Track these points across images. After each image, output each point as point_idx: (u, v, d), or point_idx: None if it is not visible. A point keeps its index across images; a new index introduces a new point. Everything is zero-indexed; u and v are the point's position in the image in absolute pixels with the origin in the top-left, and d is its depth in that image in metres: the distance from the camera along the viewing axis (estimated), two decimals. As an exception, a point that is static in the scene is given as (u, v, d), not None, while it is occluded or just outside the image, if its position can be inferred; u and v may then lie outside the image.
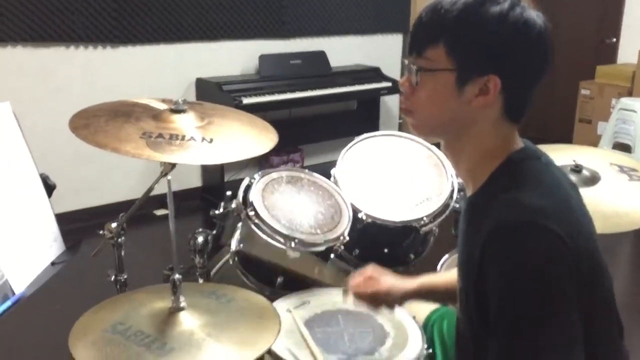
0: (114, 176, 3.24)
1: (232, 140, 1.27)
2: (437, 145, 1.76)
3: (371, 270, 1.23)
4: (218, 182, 3.44)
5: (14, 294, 1.06)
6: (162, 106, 1.33)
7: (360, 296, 1.20)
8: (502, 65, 0.85)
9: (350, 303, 1.22)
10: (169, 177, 1.24)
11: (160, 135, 1.20)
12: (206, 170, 3.60)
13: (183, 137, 1.21)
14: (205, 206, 3.32)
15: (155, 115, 1.28)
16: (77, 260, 1.35)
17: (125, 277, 1.45)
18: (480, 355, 0.86)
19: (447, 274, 1.23)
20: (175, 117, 1.27)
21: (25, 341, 2.18)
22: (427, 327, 1.29)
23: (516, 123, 0.92)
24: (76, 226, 2.24)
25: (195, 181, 3.62)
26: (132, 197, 2.97)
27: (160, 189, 1.36)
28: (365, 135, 1.77)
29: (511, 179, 0.87)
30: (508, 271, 0.79)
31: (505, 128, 0.91)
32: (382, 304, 1.21)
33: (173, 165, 1.28)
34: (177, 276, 1.09)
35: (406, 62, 0.92)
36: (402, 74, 4.43)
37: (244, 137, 1.31)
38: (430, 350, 1.21)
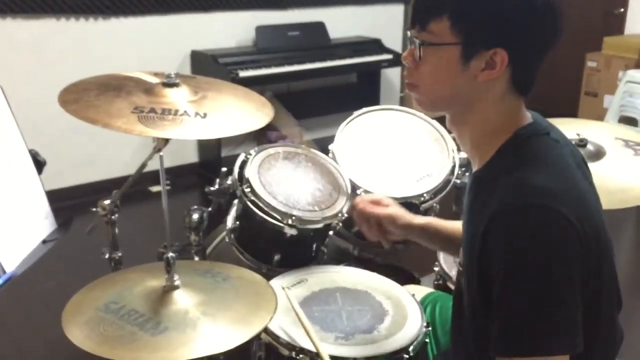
0: (108, 151, 3.21)
1: (226, 115, 1.24)
2: (438, 119, 1.72)
3: (381, 195, 1.23)
4: (215, 158, 3.41)
5: (4, 272, 1.04)
6: (154, 80, 1.29)
7: (366, 215, 1.18)
8: (508, 38, 0.82)
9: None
10: (161, 153, 1.20)
11: (152, 110, 1.16)
12: (203, 145, 3.56)
13: (176, 112, 1.18)
14: (202, 182, 3.30)
15: (147, 89, 1.24)
16: (72, 238, 1.33)
17: (120, 255, 1.43)
18: (480, 332, 0.85)
19: (453, 222, 1.22)
20: (168, 91, 1.23)
21: (19, 319, 2.19)
22: None
23: (523, 97, 0.89)
24: (70, 203, 2.22)
25: (192, 157, 3.59)
26: (128, 173, 2.96)
27: (155, 164, 1.33)
28: (364, 109, 1.73)
29: (518, 156, 0.85)
30: (512, 255, 0.78)
31: (512, 102, 0.88)
32: (383, 231, 1.21)
33: (166, 141, 1.24)
34: (170, 254, 1.06)
35: (409, 34, 0.89)
36: (403, 46, 4.35)
37: (238, 112, 1.28)
38: (430, 328, 1.20)
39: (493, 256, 0.80)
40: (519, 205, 0.78)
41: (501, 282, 0.79)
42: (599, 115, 4.00)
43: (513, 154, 0.85)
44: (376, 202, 1.22)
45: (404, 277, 1.67)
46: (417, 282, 1.63)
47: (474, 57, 0.83)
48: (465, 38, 0.83)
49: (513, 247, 0.78)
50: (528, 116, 0.90)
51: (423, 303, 1.30)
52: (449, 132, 1.68)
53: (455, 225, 1.19)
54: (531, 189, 0.79)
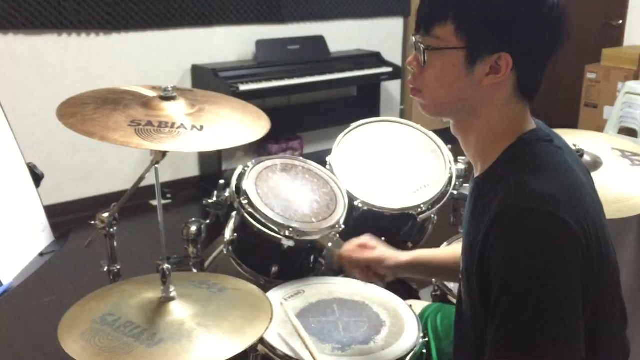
0: (108, 166, 3.22)
1: (222, 128, 1.25)
2: (435, 131, 1.73)
3: (366, 238, 1.22)
4: (216, 171, 3.42)
5: (1, 284, 1.04)
6: (152, 93, 1.30)
7: (354, 262, 1.19)
8: (513, 42, 0.82)
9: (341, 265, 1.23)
10: (158, 165, 1.21)
11: (149, 123, 1.18)
12: (204, 159, 3.58)
13: (173, 125, 1.19)
14: (202, 195, 3.30)
15: (145, 102, 1.26)
16: (71, 251, 1.33)
17: (119, 267, 1.43)
18: (481, 337, 0.84)
19: (444, 249, 1.22)
20: (165, 105, 1.25)
21: (19, 332, 2.18)
22: (422, 322, 1.27)
23: (529, 102, 0.89)
24: (69, 217, 2.23)
25: (193, 170, 3.60)
26: (127, 187, 2.99)
27: (155, 178, 1.33)
28: (361, 121, 1.74)
29: (520, 161, 0.85)
30: (510, 259, 0.77)
31: (517, 107, 0.88)
32: (374, 274, 1.21)
33: (164, 154, 1.25)
34: (166, 266, 1.07)
35: (413, 39, 0.89)
36: (403, 59, 4.37)
37: (235, 125, 1.29)
38: (427, 339, 1.19)
39: (492, 260, 0.80)
40: (519, 209, 0.78)
41: (498, 286, 0.78)
42: (599, 126, 4.01)
43: (516, 159, 0.85)
44: (363, 246, 1.22)
45: (402, 288, 1.66)
46: (415, 293, 1.63)
47: (478, 61, 0.83)
48: (469, 42, 0.83)
49: (512, 251, 0.77)
50: (532, 122, 0.90)
51: (424, 314, 1.29)
52: (447, 143, 1.69)
53: (444, 253, 1.19)
54: (532, 193, 0.79)
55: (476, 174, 0.94)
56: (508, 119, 0.87)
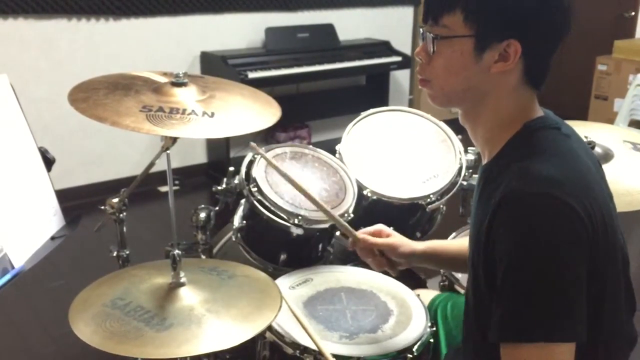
0: (118, 151, 3.24)
1: (233, 115, 1.24)
2: (445, 121, 1.72)
3: (380, 226, 1.22)
4: (223, 158, 3.42)
5: (13, 267, 1.05)
6: (163, 79, 1.30)
7: (368, 247, 1.18)
8: (521, 29, 0.82)
9: (350, 246, 1.21)
10: (168, 151, 1.21)
11: (160, 109, 1.17)
12: (212, 146, 3.58)
13: (184, 111, 1.18)
14: (210, 182, 3.32)
15: (156, 88, 1.25)
16: (80, 236, 1.34)
17: (128, 252, 1.44)
18: (484, 323, 0.85)
19: (455, 241, 1.21)
20: (176, 91, 1.24)
21: (28, 316, 2.21)
22: (432, 310, 1.28)
23: (536, 90, 0.89)
24: (79, 202, 2.24)
25: (201, 157, 3.60)
26: (136, 173, 3.00)
27: (164, 164, 1.34)
28: (371, 110, 1.73)
29: (525, 147, 0.85)
30: (515, 242, 0.78)
31: (525, 95, 0.88)
32: (387, 261, 1.20)
33: (174, 140, 1.25)
34: (176, 251, 1.07)
35: (421, 30, 0.89)
36: (413, 48, 4.34)
37: (246, 112, 1.28)
38: (435, 329, 1.20)
39: (498, 243, 0.80)
40: (523, 193, 0.79)
41: (503, 268, 0.79)
42: (609, 118, 3.97)
43: (521, 146, 0.86)
44: (377, 234, 1.21)
45: (410, 277, 1.67)
46: (423, 282, 1.63)
47: (487, 49, 0.84)
48: (478, 30, 0.83)
49: (516, 234, 0.78)
50: (540, 111, 0.90)
51: (435, 303, 1.30)
52: (457, 133, 1.68)
53: (457, 244, 1.19)
54: (536, 177, 0.79)
55: (484, 162, 0.94)
56: (515, 107, 0.88)
